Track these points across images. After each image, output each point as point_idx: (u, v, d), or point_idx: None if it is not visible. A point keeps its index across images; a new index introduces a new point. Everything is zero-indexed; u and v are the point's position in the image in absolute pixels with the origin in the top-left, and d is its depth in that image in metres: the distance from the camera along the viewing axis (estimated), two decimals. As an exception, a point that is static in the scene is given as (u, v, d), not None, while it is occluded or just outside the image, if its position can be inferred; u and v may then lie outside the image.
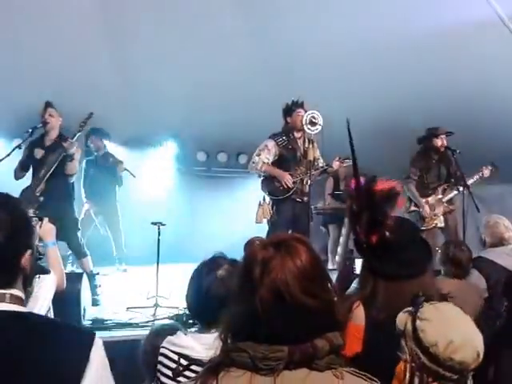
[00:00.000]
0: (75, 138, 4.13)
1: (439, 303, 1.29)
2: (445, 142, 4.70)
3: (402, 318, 1.29)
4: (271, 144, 4.38)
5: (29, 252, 1.14)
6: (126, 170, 5.75)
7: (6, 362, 0.98)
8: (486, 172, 4.69)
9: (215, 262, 1.57)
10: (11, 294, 1.08)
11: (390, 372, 0.99)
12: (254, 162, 4.36)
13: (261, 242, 0.98)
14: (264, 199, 4.38)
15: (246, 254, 0.98)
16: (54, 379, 0.99)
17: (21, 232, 1.14)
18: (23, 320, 1.08)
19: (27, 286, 1.19)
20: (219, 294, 1.46)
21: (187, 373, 1.46)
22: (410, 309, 1.29)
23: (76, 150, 4.17)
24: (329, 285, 0.97)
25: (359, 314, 1.52)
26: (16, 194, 4.07)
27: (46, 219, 1.91)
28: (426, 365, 1.19)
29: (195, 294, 1.55)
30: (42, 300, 1.86)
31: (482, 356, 1.20)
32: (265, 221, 4.34)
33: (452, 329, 1.22)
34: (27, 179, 4.31)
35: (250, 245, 0.99)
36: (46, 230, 1.88)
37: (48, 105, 4.23)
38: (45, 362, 1.00)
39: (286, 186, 4.27)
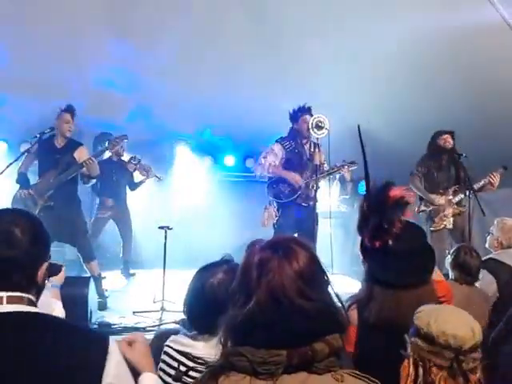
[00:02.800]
0: (98, 157, 4.04)
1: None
2: (450, 141, 4.67)
3: None
4: (277, 148, 4.38)
5: (45, 265, 1.19)
6: (155, 176, 5.73)
7: (22, 360, 1.02)
8: (496, 177, 4.54)
9: (213, 267, 1.56)
10: (28, 298, 1.13)
11: (381, 373, 0.98)
12: (259, 165, 4.38)
13: (260, 244, 0.98)
14: (270, 203, 4.38)
15: (245, 256, 0.97)
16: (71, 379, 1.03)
17: (42, 240, 1.19)
18: (41, 321, 1.11)
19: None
20: (216, 299, 1.45)
21: (191, 373, 1.45)
22: None
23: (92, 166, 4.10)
24: (328, 288, 0.96)
25: (353, 316, 1.54)
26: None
27: (63, 267, 2.07)
28: (424, 348, 1.20)
29: (192, 300, 1.54)
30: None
31: (478, 335, 1.20)
32: (270, 224, 4.34)
33: (444, 311, 1.28)
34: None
35: (250, 247, 0.99)
36: (61, 275, 2.04)
37: (67, 110, 4.18)
38: (59, 363, 1.04)
39: (296, 184, 4.26)
